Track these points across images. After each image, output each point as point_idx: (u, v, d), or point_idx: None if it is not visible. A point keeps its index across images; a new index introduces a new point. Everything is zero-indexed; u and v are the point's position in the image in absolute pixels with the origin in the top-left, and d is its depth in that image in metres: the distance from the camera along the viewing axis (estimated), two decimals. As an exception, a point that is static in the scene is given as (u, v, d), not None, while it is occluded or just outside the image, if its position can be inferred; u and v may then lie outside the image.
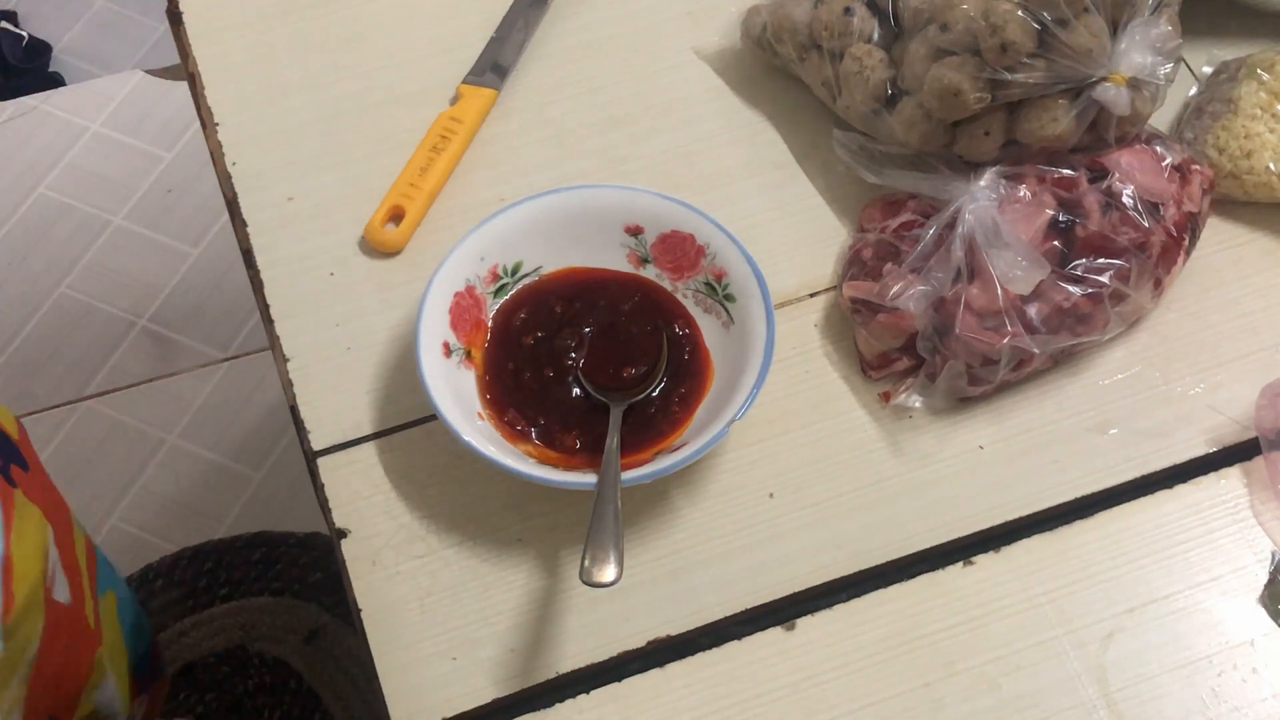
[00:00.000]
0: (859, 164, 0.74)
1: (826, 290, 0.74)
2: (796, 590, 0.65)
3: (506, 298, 0.71)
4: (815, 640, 0.64)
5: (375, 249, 0.76)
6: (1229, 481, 0.68)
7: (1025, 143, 0.70)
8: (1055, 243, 0.68)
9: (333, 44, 0.84)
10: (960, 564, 0.66)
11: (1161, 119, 0.78)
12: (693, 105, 0.81)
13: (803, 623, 0.64)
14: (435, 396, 0.64)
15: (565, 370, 0.69)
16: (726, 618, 0.64)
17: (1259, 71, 0.76)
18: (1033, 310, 0.67)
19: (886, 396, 0.70)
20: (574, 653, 0.63)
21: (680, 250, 0.71)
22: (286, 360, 0.72)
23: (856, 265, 0.72)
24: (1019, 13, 0.66)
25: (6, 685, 0.79)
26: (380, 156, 0.79)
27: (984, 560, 0.66)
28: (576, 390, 0.68)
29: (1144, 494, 0.68)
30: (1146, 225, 0.69)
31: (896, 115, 0.72)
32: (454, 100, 0.81)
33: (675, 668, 0.63)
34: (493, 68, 0.82)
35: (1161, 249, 0.69)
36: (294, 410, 0.70)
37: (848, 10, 0.73)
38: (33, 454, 0.90)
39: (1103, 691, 0.62)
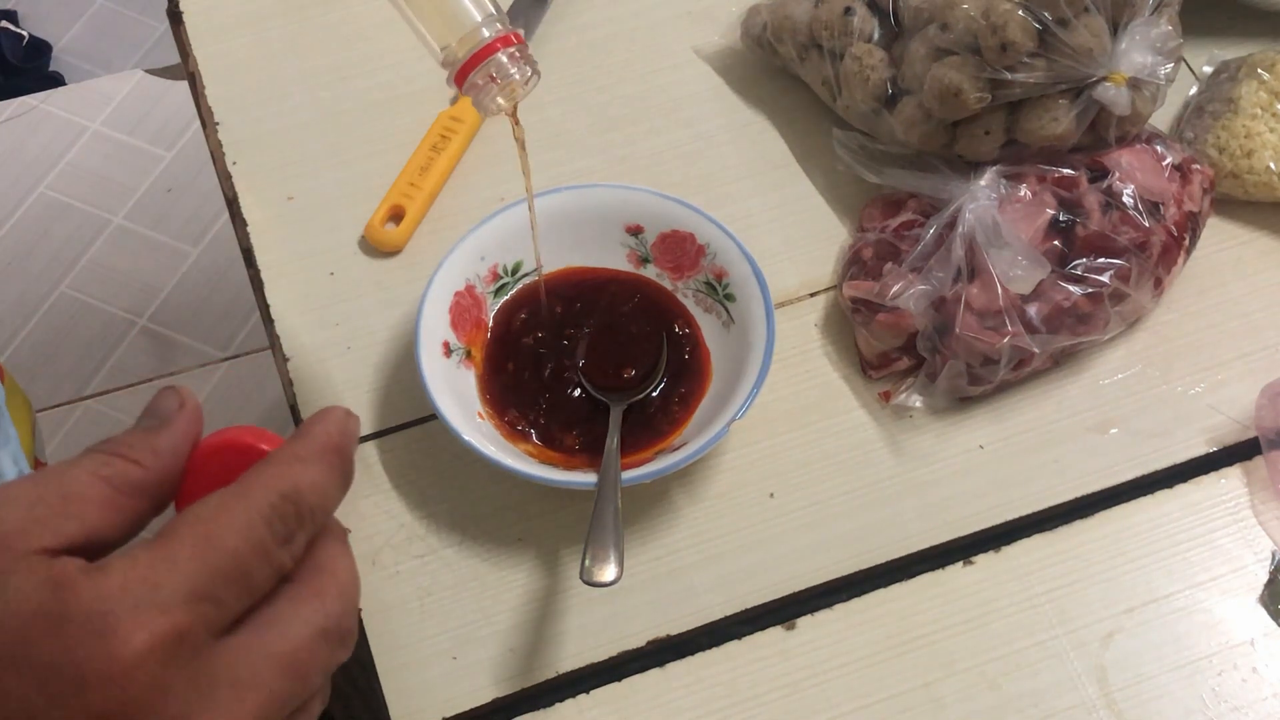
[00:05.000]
0: (859, 164, 0.74)
1: (826, 290, 0.74)
2: (796, 590, 0.65)
3: (506, 297, 0.71)
4: (815, 640, 0.64)
5: (375, 249, 0.76)
6: (1229, 481, 0.68)
7: (1025, 142, 0.70)
8: (1055, 242, 0.68)
9: (333, 44, 0.84)
10: (960, 564, 0.66)
11: (1162, 119, 0.78)
12: (693, 105, 0.81)
13: (803, 623, 0.64)
14: (435, 396, 0.64)
15: (565, 370, 0.69)
16: (726, 617, 0.64)
17: (1259, 71, 0.76)
18: (1033, 310, 0.67)
19: (886, 396, 0.70)
20: (574, 652, 0.63)
21: (680, 250, 0.71)
22: (286, 360, 0.72)
23: (856, 265, 0.72)
24: (1019, 12, 0.66)
25: None
26: (380, 156, 0.79)
27: (984, 560, 0.66)
28: (576, 390, 0.68)
29: (1144, 494, 0.68)
30: (1147, 225, 0.69)
31: (897, 115, 0.72)
32: (454, 100, 0.81)
33: (675, 667, 0.63)
34: (493, 67, 0.82)
35: (1162, 248, 0.69)
36: (294, 410, 0.70)
37: (848, 10, 0.73)
38: None
39: (1103, 691, 0.62)
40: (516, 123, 0.62)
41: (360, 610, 0.64)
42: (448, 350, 0.67)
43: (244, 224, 0.76)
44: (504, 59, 0.57)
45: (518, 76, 0.57)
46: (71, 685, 0.34)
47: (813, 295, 0.74)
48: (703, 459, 0.68)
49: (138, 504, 0.39)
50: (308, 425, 0.41)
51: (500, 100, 0.58)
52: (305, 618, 0.38)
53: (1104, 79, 0.68)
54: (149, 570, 0.35)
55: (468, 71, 0.57)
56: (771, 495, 0.68)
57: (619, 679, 0.63)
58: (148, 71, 1.94)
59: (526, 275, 0.71)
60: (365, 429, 0.69)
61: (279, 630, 0.37)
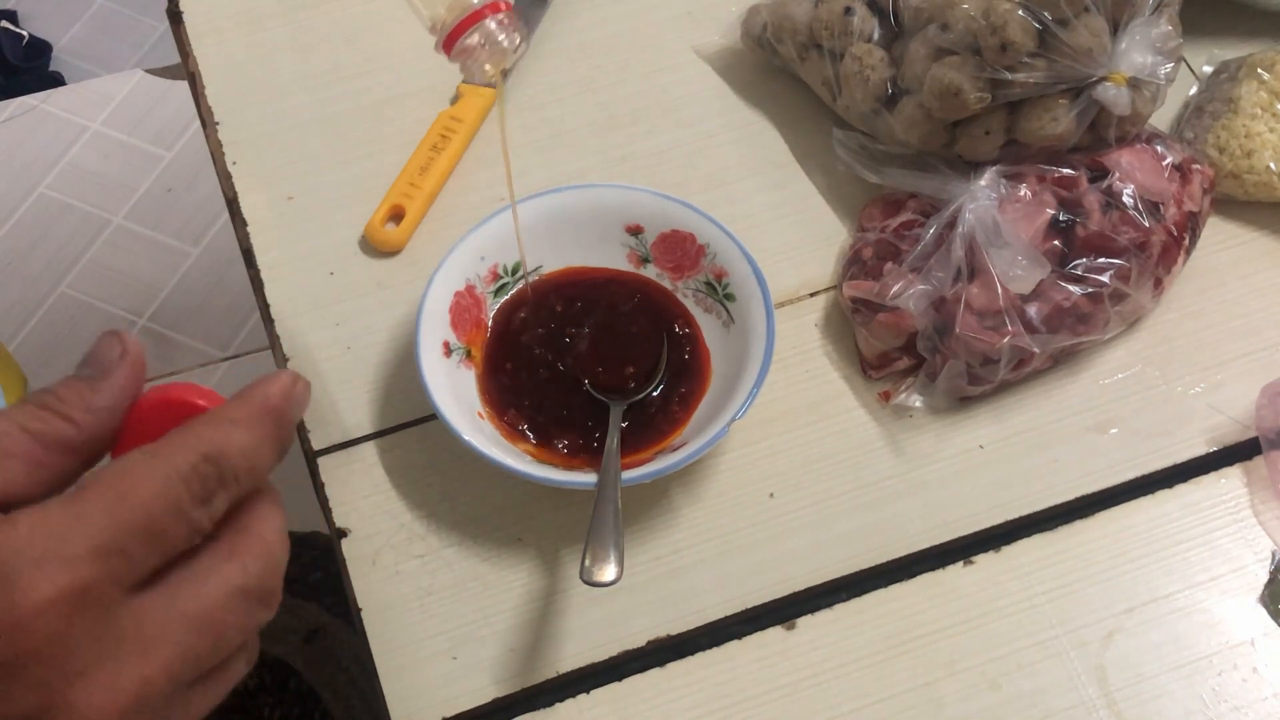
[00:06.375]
0: (859, 164, 0.74)
1: (826, 290, 0.74)
2: (796, 590, 0.65)
3: (506, 297, 0.71)
4: (815, 640, 0.64)
5: (375, 249, 0.76)
6: (1229, 481, 0.68)
7: (1025, 142, 0.70)
8: (1055, 242, 0.68)
9: (333, 44, 0.84)
10: (960, 564, 0.66)
11: (1162, 118, 0.78)
12: (693, 105, 0.81)
13: (803, 622, 0.64)
14: (435, 396, 0.64)
15: (565, 370, 0.69)
16: (726, 617, 0.64)
17: (1259, 71, 0.76)
18: (1033, 310, 0.67)
19: (886, 396, 0.70)
20: (574, 652, 0.63)
21: (680, 250, 0.71)
22: (286, 360, 0.72)
23: (856, 265, 0.72)
24: (1019, 12, 0.66)
25: None
26: (380, 156, 0.79)
27: (984, 560, 0.66)
28: (576, 390, 0.68)
29: (1144, 494, 0.68)
30: (1147, 225, 0.69)
31: (897, 115, 0.72)
32: (454, 100, 0.81)
33: (675, 667, 0.63)
34: (493, 67, 0.82)
35: (1162, 248, 0.69)
36: (294, 410, 0.70)
37: (848, 10, 0.73)
38: None
39: (1103, 691, 0.62)
40: (501, 84, 0.62)
41: (360, 610, 0.64)
42: (448, 350, 0.67)
43: (244, 224, 0.76)
44: (492, 25, 0.58)
45: (505, 44, 0.58)
46: None
47: (813, 295, 0.74)
48: (703, 459, 0.68)
49: (65, 461, 0.38)
50: (249, 387, 0.40)
51: (488, 67, 0.59)
52: (223, 576, 0.38)
53: (1104, 79, 0.68)
54: (58, 523, 0.35)
55: (456, 37, 0.58)
56: (771, 495, 0.68)
57: (619, 679, 0.63)
58: (148, 71, 1.94)
59: (526, 275, 0.71)
60: (365, 429, 0.69)
61: (194, 588, 0.37)
